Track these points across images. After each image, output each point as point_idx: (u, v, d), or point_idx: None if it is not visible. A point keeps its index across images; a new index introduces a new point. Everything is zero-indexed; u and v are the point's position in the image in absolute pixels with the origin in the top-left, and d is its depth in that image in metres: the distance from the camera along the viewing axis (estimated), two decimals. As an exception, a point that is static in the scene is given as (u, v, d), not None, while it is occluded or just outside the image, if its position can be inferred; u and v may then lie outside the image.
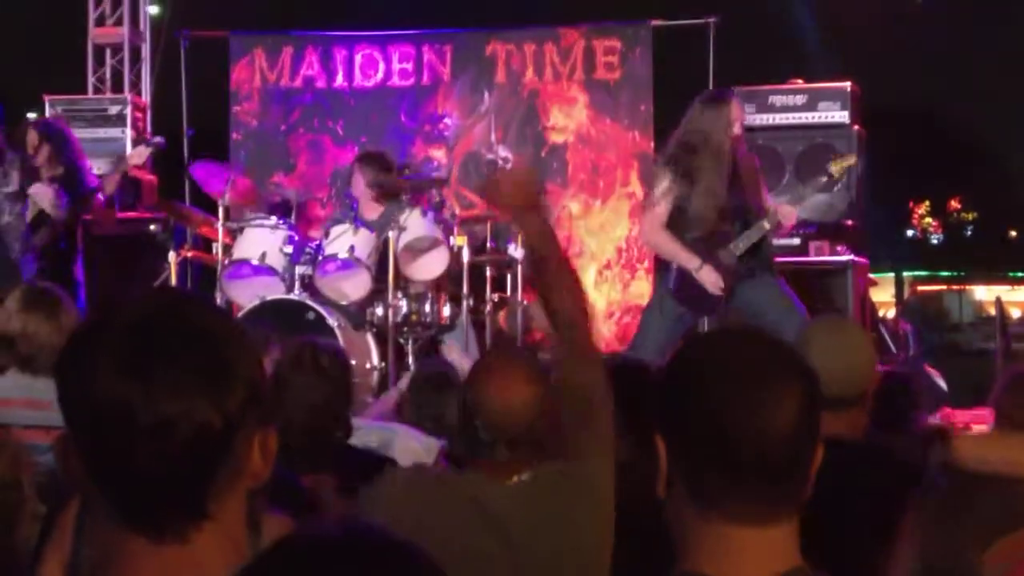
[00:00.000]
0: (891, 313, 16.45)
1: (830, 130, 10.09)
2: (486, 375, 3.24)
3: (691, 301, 7.34)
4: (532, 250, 3.41)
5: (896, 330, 11.36)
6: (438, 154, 11.47)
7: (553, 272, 3.28)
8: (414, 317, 8.66)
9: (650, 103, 11.27)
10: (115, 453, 1.52)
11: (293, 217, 8.95)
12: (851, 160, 8.38)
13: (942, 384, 9.56)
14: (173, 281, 9.07)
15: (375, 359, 8.47)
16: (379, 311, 8.57)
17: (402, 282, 8.63)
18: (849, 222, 9.83)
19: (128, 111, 11.37)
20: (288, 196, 9.57)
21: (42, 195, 8.29)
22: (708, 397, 1.83)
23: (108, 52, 12.58)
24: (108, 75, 12.53)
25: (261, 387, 1.59)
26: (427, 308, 8.68)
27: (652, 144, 11.22)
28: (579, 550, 3.11)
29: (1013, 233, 47.49)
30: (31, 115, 9.03)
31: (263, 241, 8.65)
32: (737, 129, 7.28)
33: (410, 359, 8.57)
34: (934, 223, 50.05)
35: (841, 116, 10.14)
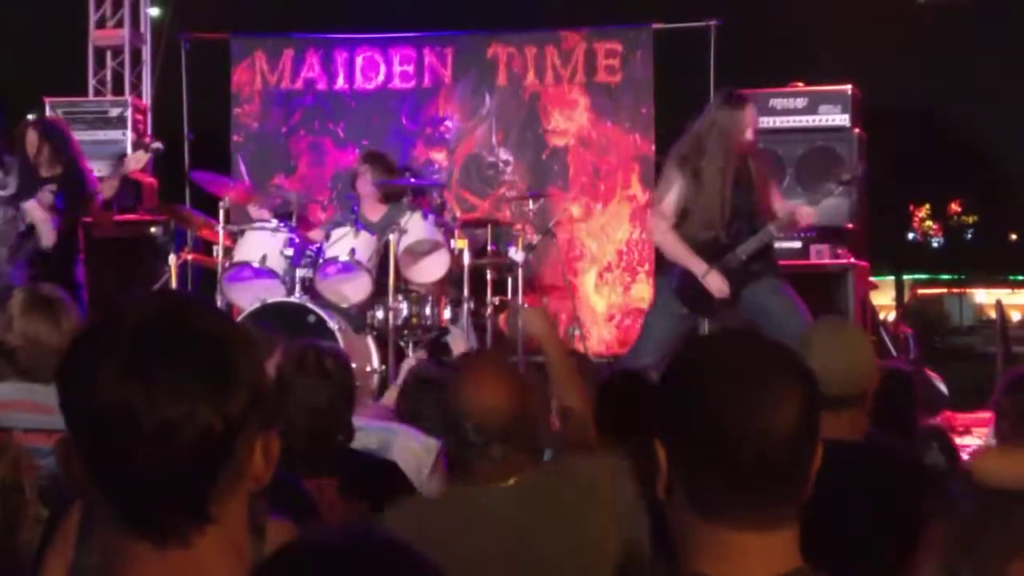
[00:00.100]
0: (892, 316, 16.47)
1: (830, 133, 10.10)
2: (469, 378, 3.31)
3: (695, 302, 7.35)
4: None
5: (897, 333, 11.36)
6: (439, 157, 11.48)
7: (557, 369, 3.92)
8: (415, 320, 8.66)
9: (651, 106, 11.27)
10: (117, 456, 1.52)
11: (294, 220, 8.94)
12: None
13: (942, 387, 9.56)
14: (173, 284, 9.06)
15: (375, 362, 8.47)
16: (380, 314, 8.57)
17: (403, 285, 8.64)
18: (850, 225, 9.83)
19: (129, 113, 11.37)
20: (289, 198, 9.57)
21: (36, 218, 8.28)
22: (708, 398, 1.83)
23: (109, 54, 12.59)
24: (109, 77, 12.54)
25: (263, 390, 1.59)
26: (428, 311, 8.68)
27: (653, 147, 11.23)
28: (580, 550, 3.11)
29: (1013, 236, 47.50)
30: (31, 117, 9.01)
31: (264, 244, 8.64)
32: (750, 135, 7.28)
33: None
34: (934, 226, 50.04)
35: (842, 119, 10.14)
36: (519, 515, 3.11)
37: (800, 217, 7.48)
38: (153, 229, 10.57)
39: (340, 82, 11.64)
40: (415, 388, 5.74)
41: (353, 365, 4.54)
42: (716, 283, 7.22)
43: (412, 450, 4.74)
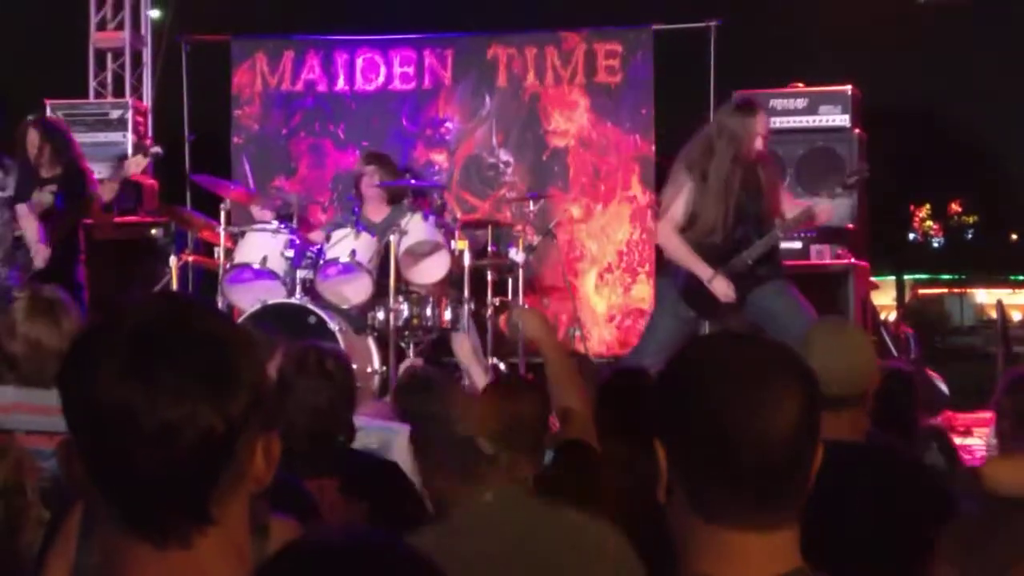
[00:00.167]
0: (892, 316, 16.47)
1: (831, 134, 10.10)
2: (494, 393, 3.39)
3: (700, 305, 7.36)
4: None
5: (897, 333, 11.37)
6: (439, 158, 11.47)
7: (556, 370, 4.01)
8: (415, 321, 8.66)
9: (651, 107, 11.26)
10: (117, 457, 1.52)
11: (294, 221, 8.94)
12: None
13: (943, 387, 9.57)
14: (174, 285, 9.06)
15: (376, 363, 8.48)
16: (380, 315, 8.58)
17: (403, 286, 8.64)
18: (850, 225, 9.83)
19: (129, 115, 11.38)
20: (289, 200, 9.57)
21: (28, 237, 8.28)
22: (707, 398, 1.83)
23: (109, 56, 12.60)
24: (109, 79, 12.54)
25: (264, 391, 1.59)
26: (428, 312, 8.68)
27: (653, 148, 11.23)
28: (579, 549, 3.12)
29: (1014, 236, 47.48)
30: (31, 117, 9.01)
31: (264, 245, 8.65)
32: (759, 143, 7.30)
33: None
34: (935, 226, 50.03)
35: (842, 120, 10.14)
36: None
37: (819, 213, 7.54)
38: (154, 231, 10.57)
39: (340, 84, 11.64)
40: (409, 388, 5.77)
41: (354, 366, 4.54)
42: (722, 288, 7.23)
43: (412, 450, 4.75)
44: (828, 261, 9.76)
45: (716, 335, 2.06)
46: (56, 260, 8.32)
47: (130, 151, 10.92)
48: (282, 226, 8.78)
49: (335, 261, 8.48)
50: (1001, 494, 3.22)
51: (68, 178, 8.53)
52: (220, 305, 8.29)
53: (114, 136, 11.28)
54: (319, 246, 8.70)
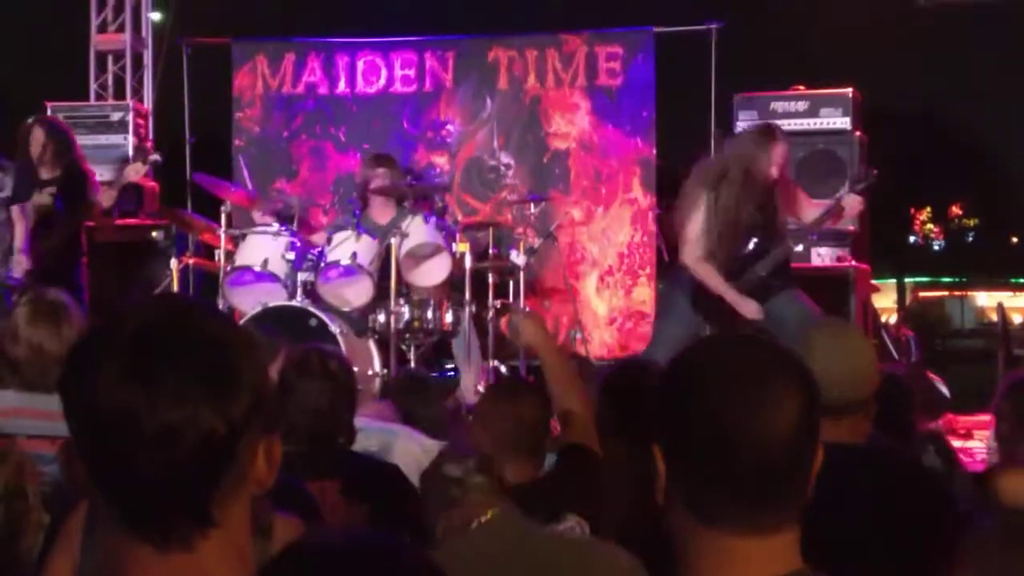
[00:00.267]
0: (893, 319, 16.47)
1: (832, 136, 10.10)
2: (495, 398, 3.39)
3: (710, 312, 7.41)
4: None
5: (898, 336, 11.36)
6: (440, 160, 11.47)
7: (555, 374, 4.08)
8: (416, 323, 8.65)
9: (652, 109, 11.26)
10: (119, 460, 1.52)
11: (295, 224, 8.94)
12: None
13: (944, 390, 9.56)
14: (175, 288, 9.06)
15: (377, 366, 8.47)
16: (381, 318, 8.57)
17: (404, 288, 8.63)
18: (851, 228, 9.83)
19: (130, 118, 11.38)
20: (290, 203, 9.57)
21: (16, 232, 8.26)
22: (707, 399, 1.83)
23: (110, 59, 12.60)
24: (110, 81, 12.55)
25: (265, 393, 1.59)
26: (429, 314, 8.68)
27: (654, 150, 11.23)
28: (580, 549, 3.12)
29: (1015, 239, 47.52)
30: (31, 119, 9.00)
31: (265, 248, 8.64)
32: (775, 172, 7.36)
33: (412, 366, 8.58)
34: (936, 229, 50.08)
35: (843, 122, 10.15)
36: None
37: (849, 205, 7.59)
38: (154, 233, 10.58)
39: (341, 86, 11.64)
40: (403, 389, 5.77)
41: (355, 369, 4.54)
42: (749, 308, 7.30)
43: (412, 452, 4.75)
44: (829, 264, 9.76)
45: (715, 338, 2.07)
46: (57, 262, 8.31)
47: (131, 153, 10.94)
48: (283, 229, 8.77)
49: (336, 264, 8.48)
50: (1021, 508, 3.22)
51: (68, 180, 8.52)
52: (221, 308, 8.28)
53: (115, 138, 11.28)
54: (320, 248, 8.69)
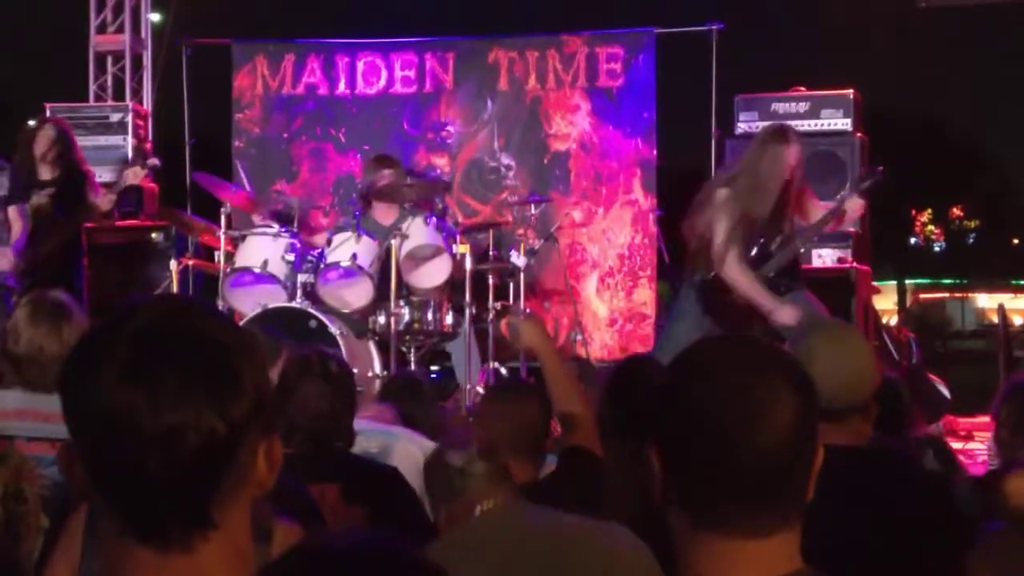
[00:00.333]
0: (894, 321, 16.48)
1: (833, 137, 10.10)
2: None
3: (723, 313, 7.39)
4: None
5: (899, 338, 11.36)
6: (441, 162, 11.47)
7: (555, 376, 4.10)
8: (416, 325, 8.65)
9: (653, 110, 11.26)
10: (119, 462, 1.51)
11: (295, 225, 8.94)
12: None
13: (945, 391, 9.57)
14: (174, 289, 9.05)
15: (377, 367, 8.47)
16: (381, 319, 8.57)
17: (404, 290, 8.63)
18: (852, 230, 9.83)
19: (129, 119, 11.37)
20: (290, 204, 9.56)
21: (12, 230, 8.25)
22: (706, 402, 1.82)
23: (109, 60, 12.60)
24: (110, 83, 12.54)
25: (266, 395, 1.58)
26: (429, 316, 8.67)
27: (655, 151, 11.23)
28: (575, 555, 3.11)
29: (1015, 241, 47.56)
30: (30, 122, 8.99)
31: (265, 249, 8.64)
32: (788, 174, 7.36)
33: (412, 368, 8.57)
34: (936, 231, 50.12)
35: (844, 124, 10.14)
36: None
37: (851, 208, 7.60)
38: (154, 234, 10.57)
39: (342, 87, 11.64)
40: (397, 391, 5.77)
41: (355, 371, 4.54)
42: (785, 316, 7.27)
43: (412, 454, 4.74)
44: (830, 265, 9.76)
45: (715, 339, 2.06)
46: (57, 264, 8.31)
47: (130, 155, 10.93)
48: (283, 230, 8.77)
49: (336, 265, 8.47)
50: None
51: (67, 182, 8.52)
52: (220, 309, 8.28)
53: (114, 140, 11.28)
54: (320, 250, 8.69)
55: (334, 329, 8.21)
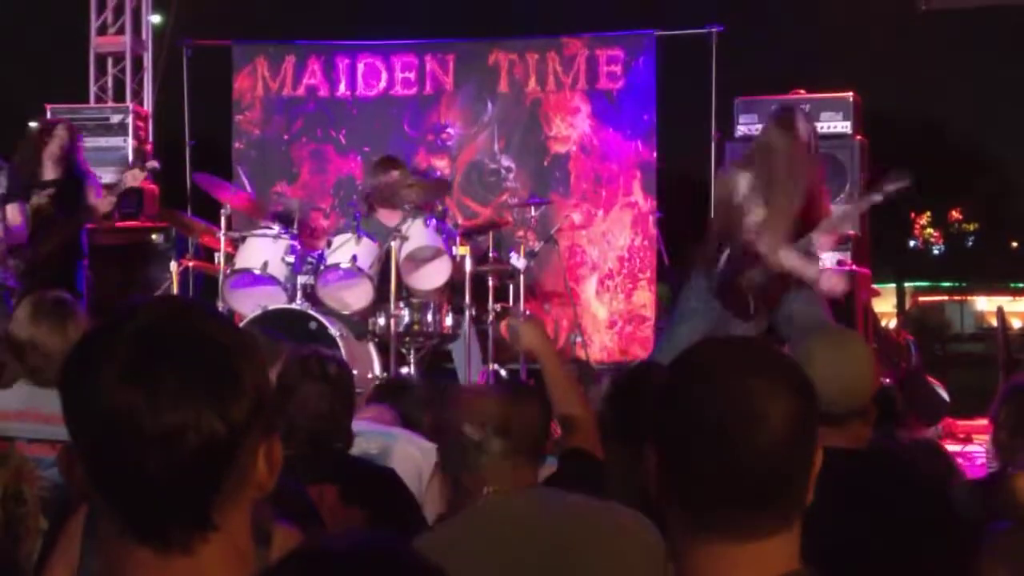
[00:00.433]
0: (893, 323, 16.48)
1: (832, 140, 10.09)
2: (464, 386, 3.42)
3: (735, 305, 7.38)
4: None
5: (898, 340, 11.36)
6: (441, 164, 11.48)
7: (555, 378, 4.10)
8: (416, 327, 8.65)
9: (653, 112, 11.27)
10: (119, 462, 1.51)
11: (295, 227, 8.94)
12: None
13: (944, 394, 9.56)
14: (175, 290, 9.06)
15: (377, 369, 8.47)
16: (381, 321, 8.57)
17: (404, 292, 8.63)
18: (851, 233, 9.83)
19: (130, 120, 11.38)
20: (291, 206, 9.56)
21: (10, 223, 8.25)
22: (706, 404, 1.82)
23: (110, 61, 12.59)
24: (110, 84, 12.54)
25: (266, 396, 1.58)
26: (429, 318, 8.67)
27: (655, 154, 11.23)
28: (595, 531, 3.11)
29: (1014, 244, 47.55)
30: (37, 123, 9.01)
31: (265, 250, 8.65)
32: (801, 150, 7.34)
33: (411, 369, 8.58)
34: (935, 234, 50.11)
35: (843, 126, 10.14)
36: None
37: (840, 220, 7.63)
38: (154, 236, 10.58)
39: (342, 89, 11.64)
40: (393, 391, 5.77)
41: (355, 372, 4.53)
42: (833, 283, 7.29)
43: (411, 456, 4.74)
44: (830, 268, 9.75)
45: (715, 341, 2.06)
46: (58, 264, 8.31)
47: (130, 156, 10.94)
48: (283, 232, 8.77)
49: (336, 267, 8.48)
50: None
51: (68, 183, 8.52)
52: (220, 310, 8.28)
53: (115, 141, 11.28)
54: (320, 252, 8.69)
55: (334, 331, 8.21)
